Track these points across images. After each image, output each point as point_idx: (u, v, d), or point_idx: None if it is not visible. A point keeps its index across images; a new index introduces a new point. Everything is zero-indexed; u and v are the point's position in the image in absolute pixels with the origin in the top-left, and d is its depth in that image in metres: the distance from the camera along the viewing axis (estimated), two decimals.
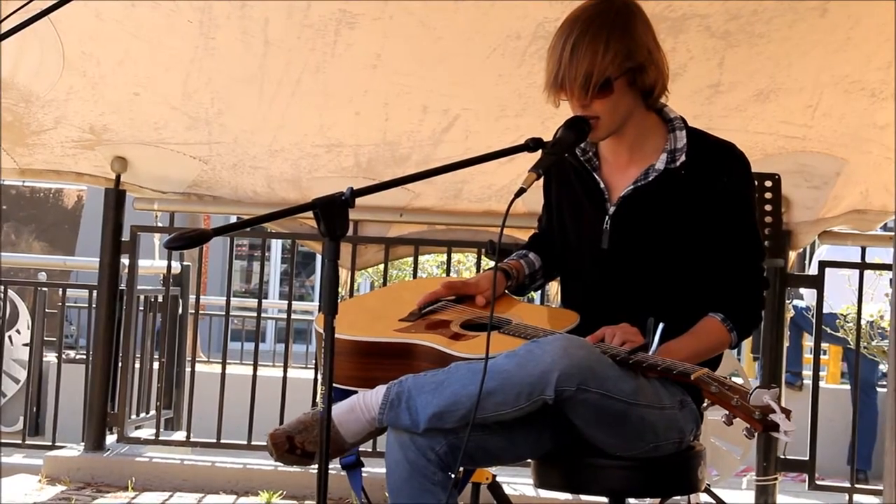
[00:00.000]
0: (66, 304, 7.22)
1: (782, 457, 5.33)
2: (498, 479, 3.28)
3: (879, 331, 7.14)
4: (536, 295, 6.08)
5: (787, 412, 2.37)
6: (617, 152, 2.94)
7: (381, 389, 2.67)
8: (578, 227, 2.99)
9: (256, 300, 6.49)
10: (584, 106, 2.80)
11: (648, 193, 2.87)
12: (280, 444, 2.70)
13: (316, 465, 2.50)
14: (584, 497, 4.82)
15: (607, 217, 2.91)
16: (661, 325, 2.69)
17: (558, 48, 2.77)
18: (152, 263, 6.41)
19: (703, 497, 4.40)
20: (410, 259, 5.86)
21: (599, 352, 2.64)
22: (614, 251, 2.90)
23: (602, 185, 2.93)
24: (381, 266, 5.89)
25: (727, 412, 2.44)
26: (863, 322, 6.18)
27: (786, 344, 5.34)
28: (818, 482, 5.43)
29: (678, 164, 2.86)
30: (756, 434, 2.43)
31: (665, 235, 2.86)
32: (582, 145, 2.92)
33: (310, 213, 2.38)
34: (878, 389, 7.46)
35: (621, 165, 2.93)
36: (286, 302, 6.41)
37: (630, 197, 2.89)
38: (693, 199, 2.85)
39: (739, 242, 2.89)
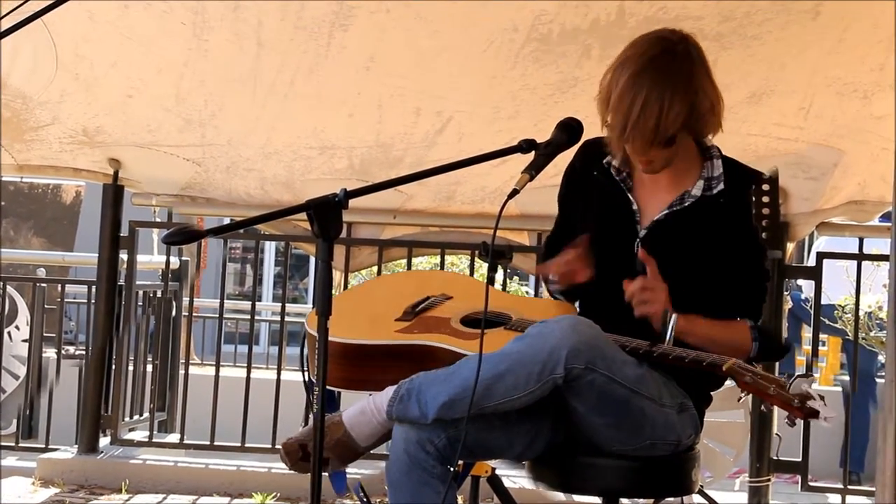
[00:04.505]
0: (65, 299, 7.21)
1: (775, 458, 5.33)
2: (497, 472, 3.29)
3: (878, 321, 7.15)
4: (531, 289, 6.08)
5: (822, 398, 2.41)
6: (655, 176, 2.95)
7: (390, 389, 2.70)
8: (604, 248, 2.97)
9: (250, 303, 6.49)
10: (643, 154, 2.84)
11: (683, 219, 2.91)
12: (293, 453, 2.72)
13: (327, 472, 2.51)
14: (577, 497, 4.82)
15: (638, 240, 2.93)
16: (674, 317, 2.71)
17: (626, 100, 2.76)
18: (151, 259, 6.40)
19: (696, 498, 4.40)
20: (404, 261, 5.86)
21: (606, 335, 2.68)
22: (645, 274, 2.89)
23: (635, 207, 2.95)
24: (375, 268, 5.89)
25: (766, 402, 2.49)
26: (861, 313, 6.18)
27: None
28: (811, 483, 5.44)
29: (715, 191, 2.91)
30: (795, 422, 2.47)
31: (695, 260, 2.89)
32: (615, 164, 2.92)
33: (303, 215, 2.39)
34: (876, 380, 7.45)
35: (657, 189, 2.95)
36: (280, 304, 6.42)
37: (663, 221, 2.92)
38: (726, 227, 2.90)
39: (749, 253, 2.96)
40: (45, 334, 6.97)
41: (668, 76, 2.75)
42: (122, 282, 5.82)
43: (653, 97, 2.73)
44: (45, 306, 6.90)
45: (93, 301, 6.03)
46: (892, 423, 3.87)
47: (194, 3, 4.51)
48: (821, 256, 5.52)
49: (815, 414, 2.42)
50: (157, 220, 5.98)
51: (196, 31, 4.64)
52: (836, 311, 7.11)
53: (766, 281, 3.01)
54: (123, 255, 5.80)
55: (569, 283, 2.97)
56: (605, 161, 2.99)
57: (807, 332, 8.21)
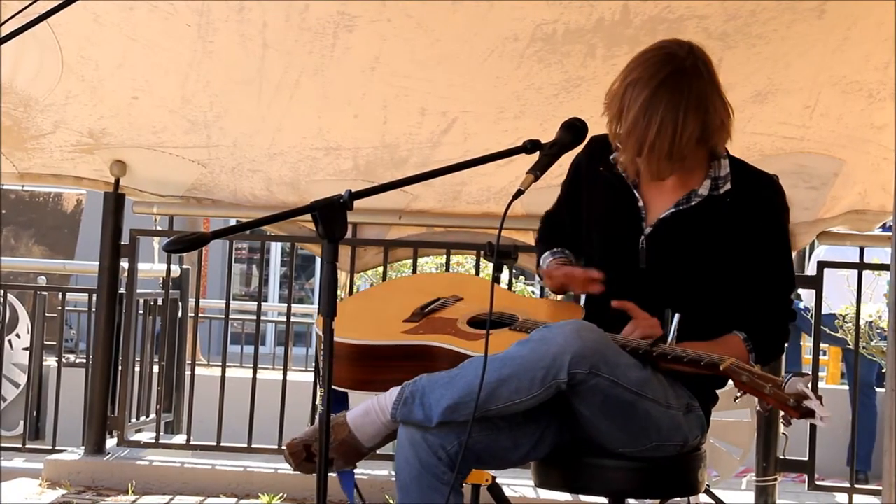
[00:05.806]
0: (66, 308, 7.21)
1: (782, 457, 5.33)
2: (497, 480, 3.28)
3: (878, 331, 7.14)
4: (537, 289, 6.08)
5: (819, 398, 2.40)
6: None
7: (394, 390, 2.70)
8: (608, 244, 3.01)
9: (256, 303, 6.49)
10: (657, 172, 2.87)
11: (689, 217, 2.92)
12: (297, 454, 2.73)
13: (332, 472, 2.51)
14: (583, 497, 4.82)
15: (643, 237, 2.94)
16: (677, 316, 2.72)
17: (640, 124, 2.79)
18: (151, 267, 6.40)
19: (703, 498, 4.40)
20: (409, 261, 5.86)
21: (610, 339, 2.68)
22: (651, 271, 2.92)
23: (641, 203, 2.96)
24: (381, 268, 5.89)
25: (760, 400, 2.48)
26: (861, 322, 6.18)
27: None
28: (818, 482, 5.43)
29: (722, 191, 2.93)
30: (791, 422, 2.46)
31: (702, 260, 2.91)
32: (622, 160, 2.93)
33: (309, 216, 2.39)
34: (877, 390, 7.46)
35: (664, 187, 2.95)
36: (286, 305, 6.42)
37: (669, 219, 2.93)
38: (735, 228, 2.91)
39: (775, 274, 2.96)
40: (45, 342, 6.98)
41: (680, 97, 2.78)
42: (122, 290, 5.82)
43: (667, 120, 2.77)
44: (46, 314, 6.91)
45: (93, 309, 6.03)
46: (890, 431, 3.88)
47: (199, 5, 4.51)
48: (821, 266, 5.52)
49: (810, 413, 2.40)
50: (158, 228, 5.97)
51: (201, 33, 4.64)
52: (836, 321, 7.10)
53: (787, 308, 2.98)
54: (124, 264, 5.80)
55: (563, 290, 3.02)
56: (611, 157, 3.00)
57: (807, 342, 8.20)
